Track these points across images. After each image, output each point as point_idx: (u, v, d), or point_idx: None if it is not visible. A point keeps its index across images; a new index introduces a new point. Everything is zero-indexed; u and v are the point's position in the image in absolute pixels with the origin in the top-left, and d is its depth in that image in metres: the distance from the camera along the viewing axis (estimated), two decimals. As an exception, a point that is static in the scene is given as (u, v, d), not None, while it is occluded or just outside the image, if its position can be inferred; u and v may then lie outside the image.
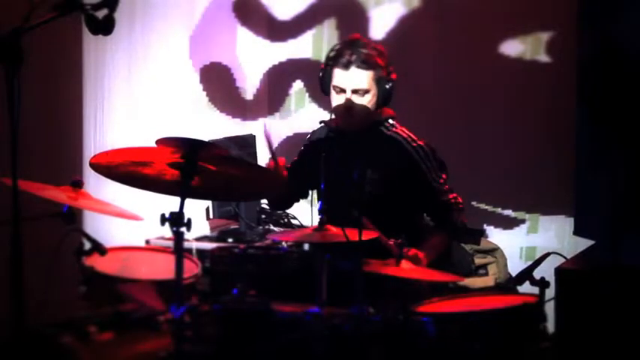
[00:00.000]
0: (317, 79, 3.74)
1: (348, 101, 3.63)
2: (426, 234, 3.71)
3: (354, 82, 3.63)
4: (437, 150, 3.75)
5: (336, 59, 3.66)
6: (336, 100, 3.68)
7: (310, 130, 3.98)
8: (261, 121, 5.27)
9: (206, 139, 3.67)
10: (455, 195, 3.73)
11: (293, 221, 4.46)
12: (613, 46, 3.74)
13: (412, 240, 3.44)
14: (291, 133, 5.22)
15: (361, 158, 3.59)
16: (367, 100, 3.65)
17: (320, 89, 3.75)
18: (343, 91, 3.65)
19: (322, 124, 3.89)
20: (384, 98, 3.67)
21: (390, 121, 3.76)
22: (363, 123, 3.69)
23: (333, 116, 3.75)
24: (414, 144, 3.71)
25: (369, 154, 3.67)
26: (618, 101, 3.68)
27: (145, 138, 4.42)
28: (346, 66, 3.63)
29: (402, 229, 3.37)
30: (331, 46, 3.78)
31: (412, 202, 3.73)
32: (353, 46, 3.66)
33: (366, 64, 3.62)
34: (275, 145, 5.18)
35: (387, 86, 3.66)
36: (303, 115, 5.21)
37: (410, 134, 3.73)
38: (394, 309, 2.86)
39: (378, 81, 3.64)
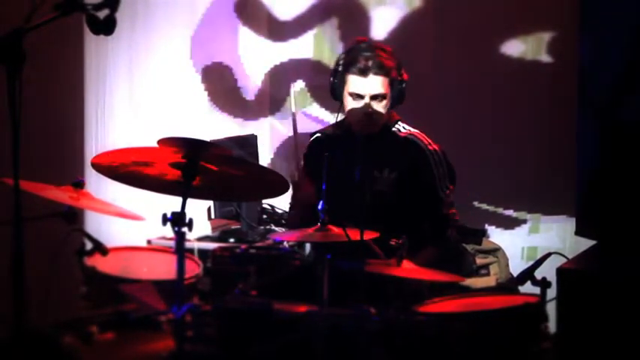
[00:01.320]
0: (318, 78, 3.74)
1: (367, 105, 3.63)
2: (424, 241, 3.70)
3: (373, 89, 3.63)
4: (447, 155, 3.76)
5: (351, 65, 3.65)
6: (353, 106, 3.67)
7: (310, 130, 3.98)
8: (262, 121, 5.27)
9: (207, 139, 3.67)
10: (454, 211, 3.74)
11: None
12: (614, 46, 3.74)
13: (412, 242, 3.43)
14: (292, 133, 5.21)
15: (369, 159, 3.60)
16: (384, 105, 3.66)
17: (330, 94, 3.74)
18: (361, 97, 3.65)
19: (318, 134, 3.89)
20: (398, 99, 3.69)
21: (401, 123, 3.77)
22: (378, 127, 3.70)
23: (341, 116, 3.75)
24: (431, 147, 3.72)
25: (385, 155, 3.68)
26: (619, 101, 3.68)
27: (147, 138, 4.42)
28: (364, 72, 3.62)
29: (407, 230, 3.38)
30: (332, 46, 3.78)
31: (417, 206, 3.73)
32: (366, 52, 3.65)
33: (382, 69, 3.63)
34: (276, 145, 5.23)
35: (400, 87, 3.67)
36: (305, 115, 5.21)
37: (426, 137, 3.75)
38: (395, 309, 2.87)
39: (392, 83, 3.65)
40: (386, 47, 3.74)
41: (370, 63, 3.62)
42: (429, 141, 3.75)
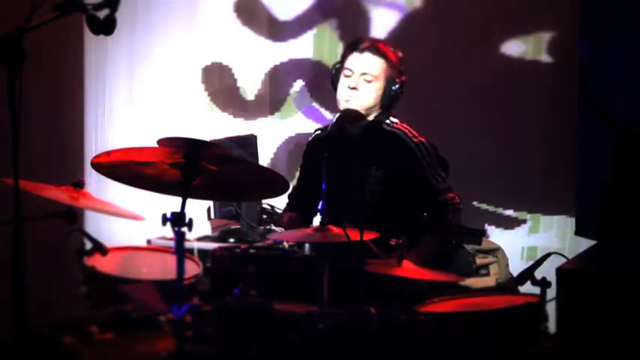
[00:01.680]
0: (318, 78, 3.75)
1: (354, 83, 3.65)
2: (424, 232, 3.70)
3: (365, 66, 3.66)
4: (438, 148, 3.75)
5: (353, 45, 3.72)
6: (343, 83, 3.69)
7: (310, 130, 3.99)
8: (262, 120, 5.27)
9: (207, 139, 3.67)
10: (453, 195, 3.72)
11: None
12: (614, 47, 3.75)
13: (413, 240, 3.43)
14: (292, 134, 5.22)
15: (363, 157, 3.60)
16: (373, 89, 3.66)
17: (331, 84, 3.77)
18: (352, 72, 3.67)
19: (318, 131, 3.90)
20: (389, 98, 3.68)
21: (392, 118, 3.77)
22: (364, 110, 3.68)
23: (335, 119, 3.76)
24: (415, 139, 3.72)
25: (372, 152, 3.68)
26: (619, 101, 3.69)
27: (146, 138, 4.42)
28: (362, 50, 3.68)
29: (404, 228, 3.38)
30: (332, 46, 3.79)
31: (412, 200, 3.72)
32: (371, 38, 3.77)
33: (380, 53, 3.67)
34: (276, 145, 5.23)
35: (395, 87, 3.67)
36: (305, 115, 5.21)
37: (411, 130, 3.74)
38: (395, 309, 2.87)
39: (388, 77, 3.66)
40: (394, 46, 3.77)
41: (371, 45, 3.69)
42: (414, 133, 3.74)
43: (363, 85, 3.66)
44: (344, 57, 3.73)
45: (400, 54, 3.75)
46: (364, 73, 3.66)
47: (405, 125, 3.75)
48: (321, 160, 3.28)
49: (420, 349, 2.79)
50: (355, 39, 3.78)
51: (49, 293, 3.21)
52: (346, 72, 3.69)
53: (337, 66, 3.75)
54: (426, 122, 3.92)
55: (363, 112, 3.68)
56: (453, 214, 3.71)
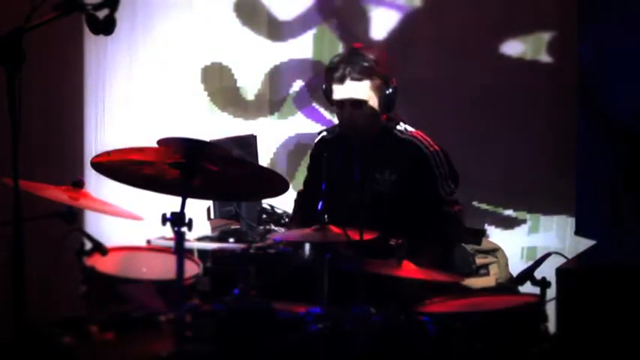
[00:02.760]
0: (317, 78, 3.75)
1: (348, 114, 3.61)
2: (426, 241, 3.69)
3: (351, 95, 3.61)
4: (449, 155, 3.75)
5: (332, 75, 3.63)
6: (338, 114, 3.68)
7: (310, 130, 3.99)
8: (261, 120, 5.27)
9: (207, 139, 3.67)
10: (460, 207, 3.72)
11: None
12: (614, 47, 3.75)
13: (413, 244, 3.43)
14: (292, 134, 5.22)
15: (374, 161, 3.59)
16: (368, 109, 3.62)
17: (327, 100, 3.75)
18: (342, 104, 3.63)
19: (324, 133, 3.90)
20: (386, 105, 3.65)
21: (402, 124, 3.75)
22: (370, 128, 3.68)
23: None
24: (431, 148, 3.69)
25: (386, 157, 3.67)
26: (619, 101, 3.69)
27: (146, 138, 4.42)
28: (341, 80, 3.59)
29: (407, 232, 3.38)
30: (332, 46, 3.76)
31: (418, 206, 3.72)
32: (348, 59, 3.62)
33: (360, 74, 3.58)
34: (276, 145, 5.23)
35: (388, 92, 3.63)
36: (305, 116, 5.22)
37: (427, 138, 3.72)
38: (395, 309, 2.87)
39: (377, 89, 3.63)
40: (376, 53, 3.69)
41: (347, 70, 3.58)
42: (431, 142, 3.72)
43: (357, 112, 3.63)
44: (330, 85, 3.64)
45: (380, 58, 3.66)
46: (354, 102, 3.62)
47: (420, 133, 3.73)
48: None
49: (420, 349, 2.79)
50: (330, 66, 3.66)
51: (49, 293, 3.20)
52: (337, 104, 3.64)
53: (327, 90, 3.66)
54: (426, 122, 3.92)
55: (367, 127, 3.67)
56: (455, 225, 3.70)
